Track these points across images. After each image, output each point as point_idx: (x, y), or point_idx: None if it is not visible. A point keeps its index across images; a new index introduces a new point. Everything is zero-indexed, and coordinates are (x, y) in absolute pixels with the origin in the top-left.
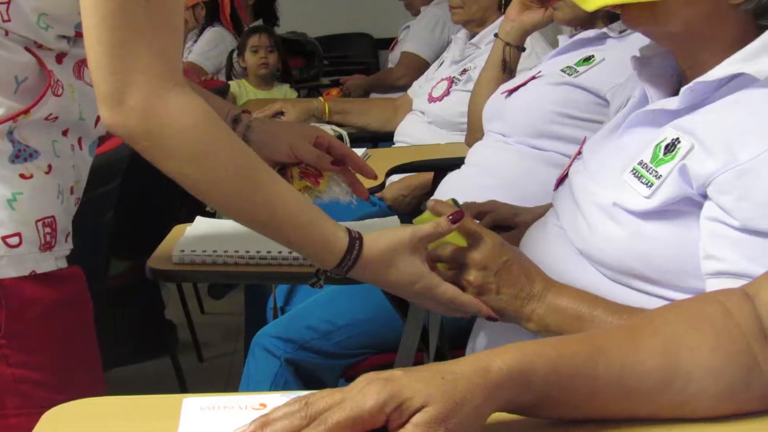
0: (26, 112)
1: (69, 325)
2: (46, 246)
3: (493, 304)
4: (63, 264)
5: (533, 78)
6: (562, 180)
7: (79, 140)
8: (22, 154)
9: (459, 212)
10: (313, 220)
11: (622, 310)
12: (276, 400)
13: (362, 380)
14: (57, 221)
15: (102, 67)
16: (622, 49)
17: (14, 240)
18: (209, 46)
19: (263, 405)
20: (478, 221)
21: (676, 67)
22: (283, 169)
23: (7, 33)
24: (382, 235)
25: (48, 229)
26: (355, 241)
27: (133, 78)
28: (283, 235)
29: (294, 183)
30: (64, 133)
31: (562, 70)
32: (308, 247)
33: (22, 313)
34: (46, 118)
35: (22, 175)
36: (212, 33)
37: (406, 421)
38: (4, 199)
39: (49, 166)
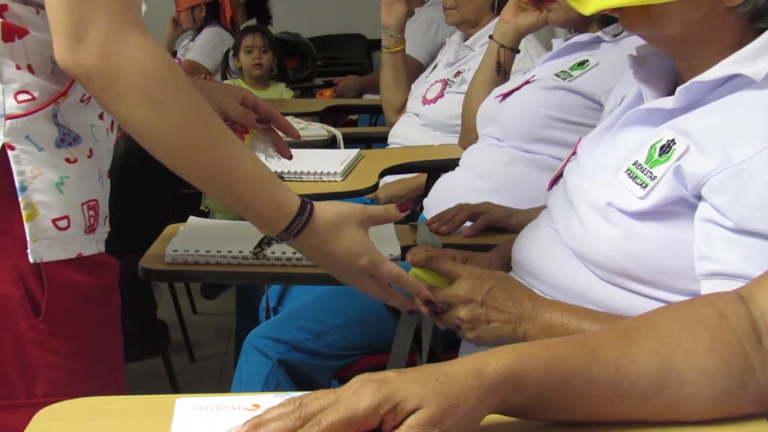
0: (65, 93)
1: (101, 313)
2: (90, 228)
3: (488, 333)
4: (102, 247)
5: (527, 82)
6: (556, 180)
7: (112, 123)
8: (66, 138)
9: (407, 204)
10: (267, 179)
11: (607, 318)
12: (269, 400)
13: (356, 381)
14: (99, 204)
15: (60, 4)
16: (617, 53)
17: (63, 223)
18: (209, 45)
19: (256, 406)
20: (471, 222)
21: (671, 67)
22: None
23: (38, 11)
24: (332, 204)
25: (92, 212)
26: (307, 204)
27: (92, 17)
28: (233, 191)
29: None
30: (101, 116)
31: (556, 75)
32: (259, 206)
33: (62, 297)
34: (81, 100)
35: (67, 160)
36: (211, 32)
37: (401, 423)
38: (53, 183)
39: (90, 151)
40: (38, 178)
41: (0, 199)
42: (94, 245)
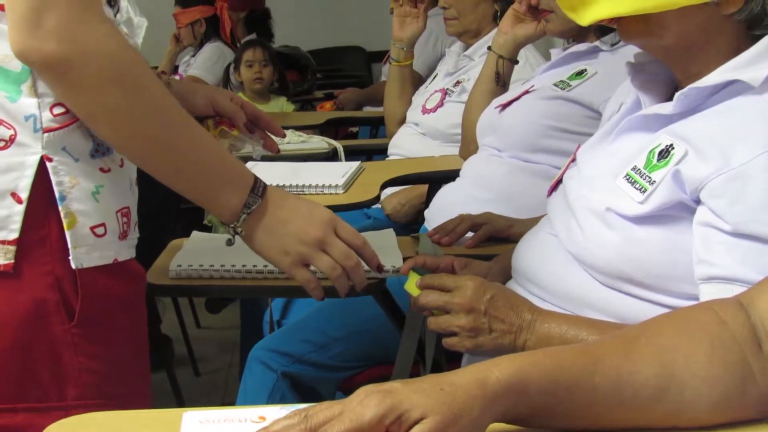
0: None
1: (131, 321)
2: (123, 235)
3: (489, 342)
4: (133, 253)
5: (526, 92)
6: (555, 186)
7: None
8: (100, 149)
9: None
10: (221, 150)
11: (605, 326)
12: (275, 413)
13: (361, 392)
14: (131, 211)
15: None
16: (615, 62)
17: (101, 230)
18: (211, 60)
19: (262, 418)
20: (472, 233)
21: (669, 74)
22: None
23: None
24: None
25: (125, 219)
26: (254, 175)
27: (52, 1)
28: (197, 164)
29: (210, 132)
30: None
31: (555, 84)
32: (221, 175)
33: (95, 303)
34: None
35: (101, 169)
36: (212, 47)
37: None
38: (89, 192)
39: (122, 160)
40: (76, 188)
41: (38, 209)
42: (126, 251)
